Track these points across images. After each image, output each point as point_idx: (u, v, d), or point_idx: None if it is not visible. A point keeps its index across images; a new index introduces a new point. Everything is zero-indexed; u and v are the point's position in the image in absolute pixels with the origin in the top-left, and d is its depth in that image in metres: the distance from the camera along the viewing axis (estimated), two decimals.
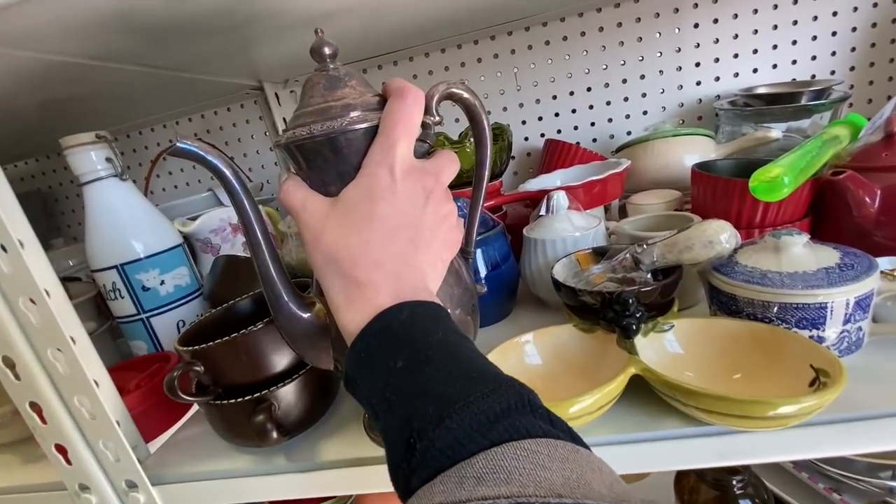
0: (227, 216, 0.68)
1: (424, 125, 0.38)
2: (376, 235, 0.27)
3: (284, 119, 0.88)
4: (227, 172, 0.29)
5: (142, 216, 0.59)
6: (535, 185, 0.68)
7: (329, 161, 0.32)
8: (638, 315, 0.38)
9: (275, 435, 0.39)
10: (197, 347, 0.39)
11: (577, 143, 0.86)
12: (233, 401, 0.40)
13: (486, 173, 0.41)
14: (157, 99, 0.80)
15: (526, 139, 0.88)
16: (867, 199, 0.45)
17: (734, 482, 0.53)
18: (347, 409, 0.45)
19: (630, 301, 0.38)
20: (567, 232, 0.54)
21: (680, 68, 0.80)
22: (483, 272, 0.55)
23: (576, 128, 0.86)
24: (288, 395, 0.41)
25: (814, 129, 0.65)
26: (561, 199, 0.56)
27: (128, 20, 0.44)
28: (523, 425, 0.19)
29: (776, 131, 0.61)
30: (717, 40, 0.78)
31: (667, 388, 0.33)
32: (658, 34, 0.79)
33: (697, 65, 0.80)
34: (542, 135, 0.87)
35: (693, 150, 0.66)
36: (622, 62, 0.81)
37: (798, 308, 0.34)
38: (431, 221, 0.29)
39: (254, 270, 0.58)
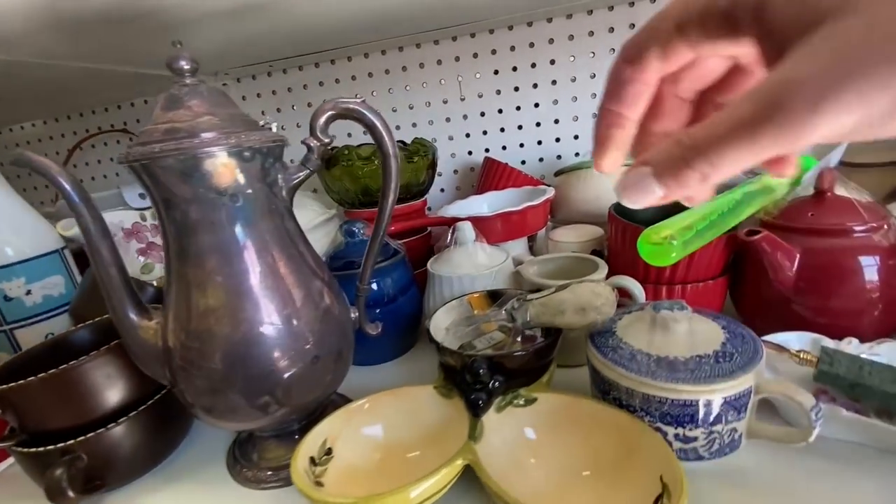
0: (118, 220, 0.62)
1: (308, 147, 0.34)
2: None
3: None
4: (64, 182, 0.30)
5: (10, 216, 0.54)
6: (454, 209, 0.62)
7: (147, 186, 0.31)
8: (493, 386, 0.33)
9: (70, 494, 0.34)
10: None
11: (523, 161, 0.80)
12: (29, 450, 0.35)
13: (390, 204, 0.37)
14: (79, 88, 0.74)
15: (470, 153, 0.82)
16: (786, 262, 0.40)
17: None
18: (198, 450, 0.42)
19: (481, 371, 0.33)
20: (464, 269, 0.49)
21: None
22: (383, 302, 0.50)
23: (521, 145, 0.80)
24: (108, 441, 0.36)
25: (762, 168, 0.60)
26: (466, 231, 0.51)
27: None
28: None
29: None
30: None
31: (491, 492, 0.27)
32: (612, 50, 0.73)
33: None
34: (487, 150, 0.81)
35: None
36: (572, 78, 0.75)
37: (661, 402, 0.29)
38: None
39: None
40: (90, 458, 0.36)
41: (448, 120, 0.80)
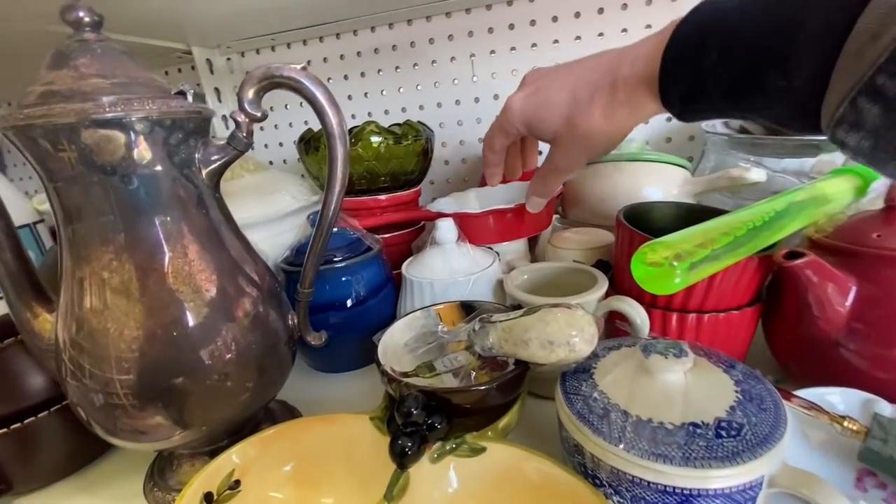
0: None
1: (235, 123, 0.29)
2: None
3: (217, 89, 0.79)
4: None
5: None
6: (442, 204, 0.55)
7: (27, 160, 0.26)
8: (434, 427, 0.27)
9: None
10: None
11: (540, 151, 0.72)
12: None
13: (336, 194, 0.32)
14: None
15: (481, 140, 0.74)
16: (837, 296, 0.31)
17: None
18: (125, 460, 0.38)
19: (413, 412, 0.26)
20: (437, 274, 0.42)
21: None
22: (348, 304, 0.45)
23: None
24: (11, 442, 0.33)
25: (819, 171, 0.49)
26: (445, 229, 0.44)
27: None
28: None
29: (758, 171, 0.45)
30: None
31: None
32: (648, 26, 0.63)
33: None
34: None
35: (655, 182, 0.52)
36: None
37: (633, 482, 0.22)
38: None
39: None
40: None
41: (458, 102, 0.73)
